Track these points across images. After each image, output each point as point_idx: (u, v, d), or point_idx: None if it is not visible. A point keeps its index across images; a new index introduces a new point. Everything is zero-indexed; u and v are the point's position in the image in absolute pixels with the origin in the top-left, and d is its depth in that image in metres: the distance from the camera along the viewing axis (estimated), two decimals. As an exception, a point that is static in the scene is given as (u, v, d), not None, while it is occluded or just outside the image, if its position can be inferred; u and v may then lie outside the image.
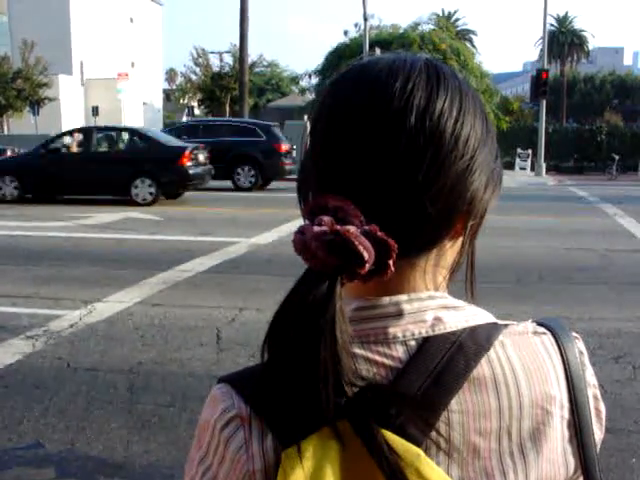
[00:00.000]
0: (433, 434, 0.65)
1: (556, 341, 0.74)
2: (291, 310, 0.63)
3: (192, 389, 4.49)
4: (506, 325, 0.73)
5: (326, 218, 0.63)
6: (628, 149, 32.28)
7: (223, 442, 0.67)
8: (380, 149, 0.67)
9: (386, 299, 0.70)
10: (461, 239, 0.73)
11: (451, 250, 0.73)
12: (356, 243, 0.60)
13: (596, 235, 11.41)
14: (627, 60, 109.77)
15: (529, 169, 30.34)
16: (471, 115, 0.70)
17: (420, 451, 0.61)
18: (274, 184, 20.93)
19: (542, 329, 0.75)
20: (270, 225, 11.76)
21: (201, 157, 16.25)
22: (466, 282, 0.79)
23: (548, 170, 29.75)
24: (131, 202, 15.16)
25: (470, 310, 0.73)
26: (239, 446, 0.66)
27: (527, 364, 0.71)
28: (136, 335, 5.67)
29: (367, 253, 0.61)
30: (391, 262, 0.63)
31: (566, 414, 0.72)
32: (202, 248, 9.65)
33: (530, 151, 30.59)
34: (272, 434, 0.65)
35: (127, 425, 3.99)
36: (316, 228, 0.62)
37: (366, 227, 0.62)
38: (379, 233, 0.62)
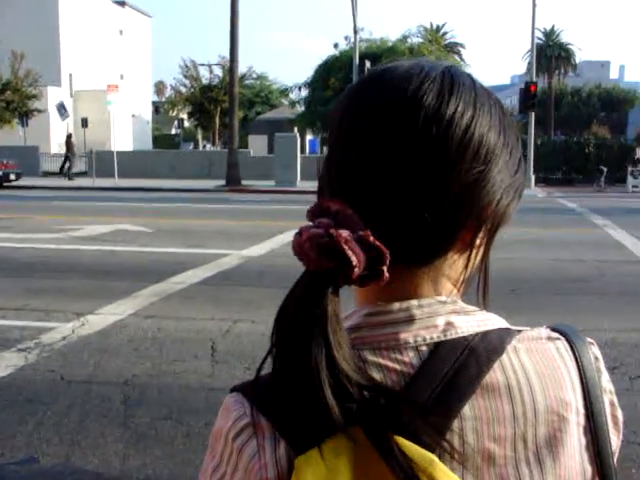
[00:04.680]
0: (446, 441, 0.63)
1: (570, 346, 0.73)
2: (287, 312, 0.63)
3: (188, 402, 4.45)
4: (519, 331, 0.72)
5: (325, 220, 0.63)
6: (616, 161, 32.40)
7: (236, 451, 0.66)
8: (385, 155, 0.66)
9: (396, 305, 0.70)
10: (472, 251, 0.72)
11: (461, 260, 0.72)
12: (345, 247, 0.60)
13: (586, 246, 11.45)
14: (613, 74, 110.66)
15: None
16: (485, 127, 0.68)
17: (434, 457, 0.60)
18: (266, 196, 20.87)
19: (556, 334, 0.74)
20: (261, 237, 11.75)
21: None
22: (477, 292, 0.78)
23: (537, 182, 29.88)
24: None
25: (482, 315, 0.72)
26: (252, 454, 0.65)
27: (541, 369, 0.70)
28: (130, 347, 5.63)
29: (356, 258, 0.61)
30: (384, 269, 0.63)
31: (582, 420, 0.70)
32: (194, 260, 9.61)
33: (519, 163, 30.68)
34: (285, 441, 0.64)
35: (123, 438, 3.94)
36: (312, 230, 0.62)
37: (360, 232, 0.62)
38: (371, 239, 0.62)
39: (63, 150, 44.91)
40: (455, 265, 0.72)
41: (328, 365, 0.61)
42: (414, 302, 0.70)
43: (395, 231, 0.66)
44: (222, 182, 27.16)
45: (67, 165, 29.28)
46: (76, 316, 6.56)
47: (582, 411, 0.71)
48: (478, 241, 0.71)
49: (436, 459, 0.60)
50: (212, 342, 5.73)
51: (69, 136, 29.15)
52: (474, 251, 0.72)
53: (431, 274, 0.71)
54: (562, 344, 0.73)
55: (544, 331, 0.74)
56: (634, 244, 11.74)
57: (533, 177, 28.97)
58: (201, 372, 5.03)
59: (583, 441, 0.70)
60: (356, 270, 0.61)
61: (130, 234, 12.61)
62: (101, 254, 10.43)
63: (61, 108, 27.71)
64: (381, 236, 0.63)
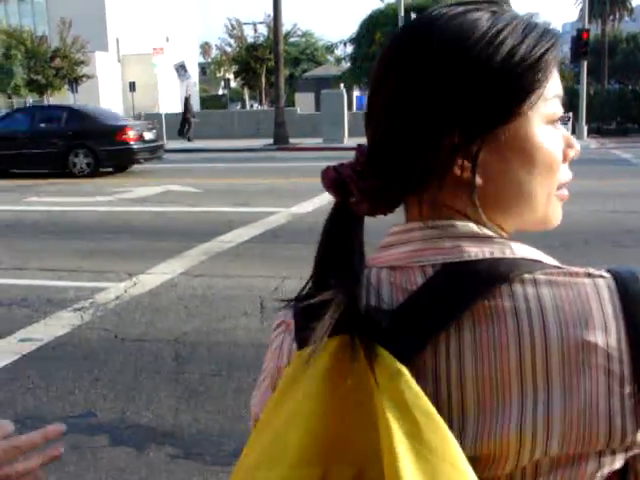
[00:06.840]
0: (428, 357, 0.67)
1: (618, 287, 0.67)
2: (322, 236, 0.75)
3: (237, 358, 4.52)
4: (559, 267, 0.69)
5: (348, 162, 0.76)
6: (674, 109, 31.28)
7: (271, 341, 0.81)
8: (390, 87, 0.72)
9: (410, 225, 0.74)
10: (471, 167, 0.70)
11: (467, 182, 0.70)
12: (348, 182, 0.73)
13: (642, 197, 11.14)
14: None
15: (570, 132, 29.68)
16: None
17: (403, 368, 0.64)
18: (314, 153, 20.78)
19: (601, 272, 0.68)
20: (308, 194, 11.72)
21: None
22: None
23: (590, 133, 29.06)
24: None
25: (502, 244, 0.70)
26: (278, 345, 0.79)
27: (562, 305, 0.65)
28: (180, 305, 5.73)
29: (358, 192, 0.73)
30: (386, 200, 0.75)
31: (616, 367, 0.64)
32: (242, 219, 9.68)
33: (571, 114, 29.83)
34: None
35: (175, 394, 4.04)
36: (331, 168, 0.75)
37: (358, 168, 0.73)
38: (370, 173, 0.73)
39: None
40: (463, 186, 0.70)
41: (353, 281, 0.69)
42: (427, 223, 0.72)
43: (395, 158, 0.72)
44: (270, 141, 27.14)
45: (187, 127, 29.45)
46: (128, 276, 6.70)
47: (617, 357, 0.64)
48: (473, 155, 0.69)
49: (405, 370, 0.63)
50: (261, 299, 5.78)
51: (187, 98, 29.42)
52: (471, 166, 0.70)
53: (440, 198, 0.72)
54: (604, 282, 0.67)
55: (591, 269, 0.69)
56: (692, 194, 11.37)
57: (586, 128, 28.18)
58: (250, 329, 5.09)
59: (616, 390, 0.64)
60: (359, 202, 0.72)
61: (178, 194, 12.75)
62: (151, 215, 10.59)
63: (181, 69, 27.66)
64: (387, 166, 0.72)
